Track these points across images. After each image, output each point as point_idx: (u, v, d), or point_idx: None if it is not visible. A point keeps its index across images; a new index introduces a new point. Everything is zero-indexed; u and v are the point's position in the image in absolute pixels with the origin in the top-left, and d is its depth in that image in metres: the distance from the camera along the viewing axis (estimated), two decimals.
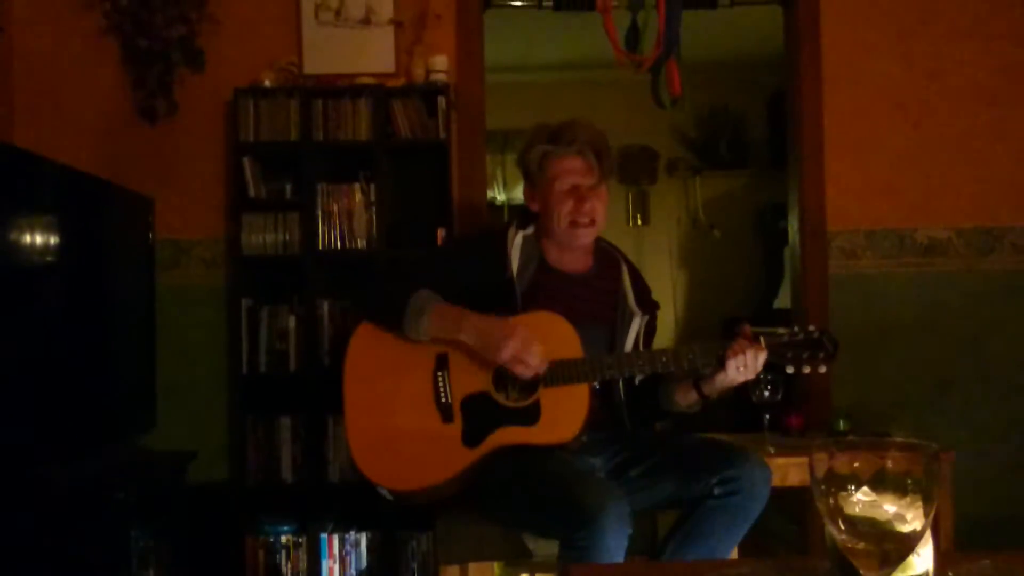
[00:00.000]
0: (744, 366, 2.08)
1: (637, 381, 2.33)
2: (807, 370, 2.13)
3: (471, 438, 2.14)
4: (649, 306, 2.39)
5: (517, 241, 2.29)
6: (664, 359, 2.15)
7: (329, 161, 3.29)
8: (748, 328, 2.12)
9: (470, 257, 2.31)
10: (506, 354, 2.07)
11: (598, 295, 2.34)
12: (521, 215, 2.37)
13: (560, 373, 2.13)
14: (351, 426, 2.21)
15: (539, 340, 2.11)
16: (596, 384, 2.22)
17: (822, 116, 3.47)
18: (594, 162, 2.22)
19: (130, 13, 3.37)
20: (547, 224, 2.29)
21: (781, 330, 2.16)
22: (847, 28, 3.48)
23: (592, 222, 2.25)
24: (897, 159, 3.47)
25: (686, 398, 2.23)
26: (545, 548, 2.11)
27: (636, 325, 2.32)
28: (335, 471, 3.19)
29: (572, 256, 2.33)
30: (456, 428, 2.15)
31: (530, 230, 2.33)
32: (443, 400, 2.16)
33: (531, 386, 2.15)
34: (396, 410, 2.18)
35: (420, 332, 2.14)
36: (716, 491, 2.00)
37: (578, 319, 2.18)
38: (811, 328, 2.15)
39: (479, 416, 2.15)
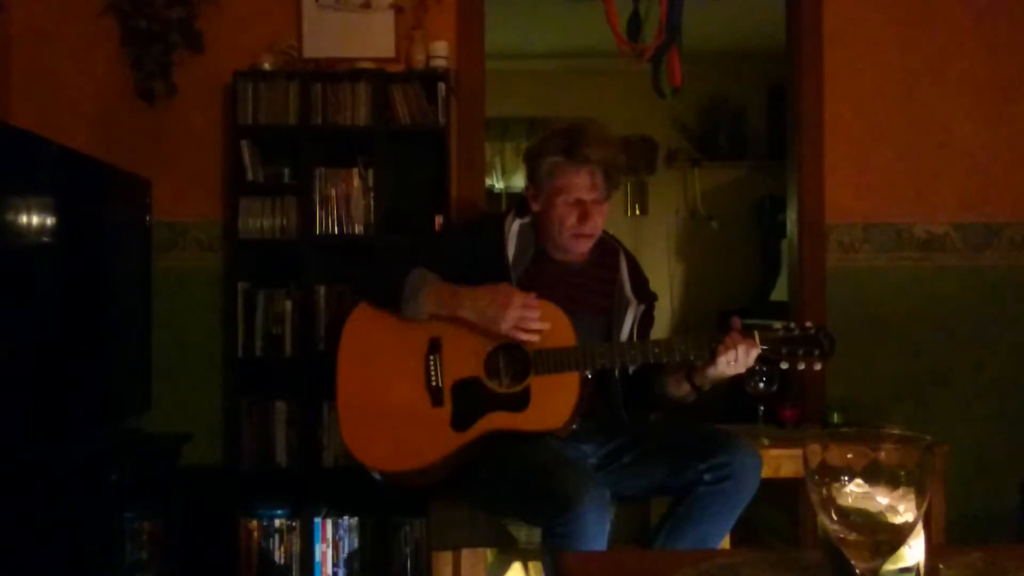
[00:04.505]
0: (735, 360, 2.10)
1: (631, 372, 2.33)
2: (802, 367, 2.14)
3: (460, 422, 2.15)
4: (646, 296, 2.39)
5: (514, 229, 2.29)
6: (656, 350, 2.16)
7: (327, 146, 3.28)
8: (738, 322, 2.13)
9: (466, 244, 2.32)
10: (508, 324, 2.09)
11: (595, 284, 2.35)
12: (519, 203, 2.37)
13: (551, 361, 2.14)
14: (342, 406, 2.21)
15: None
16: (588, 373, 2.22)
17: (822, 109, 3.46)
18: (602, 180, 2.24)
19: None
20: (547, 228, 2.29)
21: (777, 324, 2.16)
22: (849, 21, 3.47)
23: (592, 235, 2.28)
24: (896, 153, 3.47)
25: (679, 388, 2.25)
26: (529, 535, 2.12)
27: (632, 314, 2.33)
28: (329, 456, 3.19)
29: None
30: (446, 412, 2.15)
31: (527, 219, 2.33)
32: (434, 384, 2.17)
33: (522, 373, 2.16)
34: (387, 392, 2.19)
35: (417, 310, 2.15)
36: (706, 477, 2.01)
37: (574, 308, 2.19)
38: (808, 324, 2.15)
39: (469, 401, 2.16)
